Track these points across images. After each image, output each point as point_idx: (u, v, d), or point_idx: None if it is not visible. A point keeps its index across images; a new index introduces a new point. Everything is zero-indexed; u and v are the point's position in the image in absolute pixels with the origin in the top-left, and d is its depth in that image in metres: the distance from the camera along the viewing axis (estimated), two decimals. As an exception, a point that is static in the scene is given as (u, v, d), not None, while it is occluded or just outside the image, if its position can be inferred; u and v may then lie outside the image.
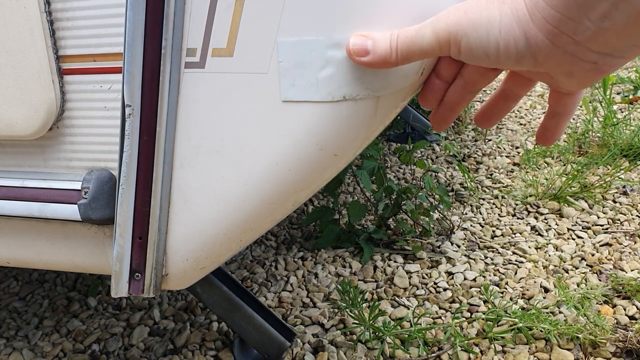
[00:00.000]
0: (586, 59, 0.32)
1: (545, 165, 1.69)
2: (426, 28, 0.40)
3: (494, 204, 1.47)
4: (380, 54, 0.43)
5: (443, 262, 1.19)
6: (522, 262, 1.18)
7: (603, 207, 1.40)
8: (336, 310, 1.04)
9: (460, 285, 1.11)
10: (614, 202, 1.43)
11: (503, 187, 1.56)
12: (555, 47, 0.33)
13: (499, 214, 1.41)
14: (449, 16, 0.38)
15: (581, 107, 2.23)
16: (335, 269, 1.19)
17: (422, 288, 1.11)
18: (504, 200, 1.47)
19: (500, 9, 0.35)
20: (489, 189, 1.55)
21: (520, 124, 2.10)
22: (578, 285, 1.08)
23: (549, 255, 1.20)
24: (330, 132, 0.51)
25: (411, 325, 0.97)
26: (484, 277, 1.14)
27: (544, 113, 2.19)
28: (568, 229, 1.31)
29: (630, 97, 2.24)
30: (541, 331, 0.93)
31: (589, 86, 0.36)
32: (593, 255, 1.19)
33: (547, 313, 0.98)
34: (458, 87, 0.47)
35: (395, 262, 1.21)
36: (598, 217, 1.35)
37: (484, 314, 1.00)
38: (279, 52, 0.49)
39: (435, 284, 1.12)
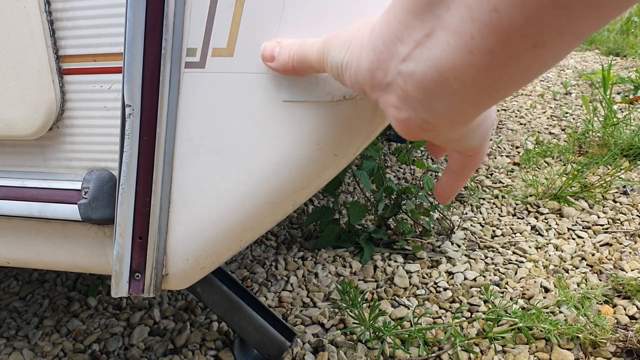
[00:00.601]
0: (391, 104, 0.31)
1: (546, 165, 1.69)
2: (318, 41, 0.40)
3: (494, 203, 1.47)
4: (281, 62, 0.44)
5: (443, 261, 1.19)
6: (522, 262, 1.18)
7: (603, 207, 1.40)
8: (336, 310, 1.04)
9: (460, 285, 1.11)
10: (614, 202, 1.43)
11: (503, 186, 1.56)
12: (372, 80, 0.31)
13: (499, 214, 1.41)
14: (334, 32, 0.38)
15: (581, 106, 2.23)
16: (336, 268, 1.19)
17: (422, 288, 1.11)
18: (504, 200, 1.47)
19: (361, 30, 0.33)
20: (489, 189, 1.55)
21: (520, 124, 2.10)
22: (578, 285, 1.08)
23: (549, 255, 1.20)
24: (330, 132, 0.51)
25: (411, 325, 0.97)
26: (484, 276, 1.14)
27: (543, 113, 2.20)
28: (568, 229, 1.31)
29: (631, 97, 2.24)
30: (541, 331, 0.93)
31: (409, 138, 0.34)
32: (593, 255, 1.19)
33: (547, 313, 0.98)
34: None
35: (395, 261, 1.21)
36: (598, 217, 1.35)
37: (484, 313, 1.00)
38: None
39: (435, 283, 1.12)
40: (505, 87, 0.25)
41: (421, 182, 1.30)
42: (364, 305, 1.04)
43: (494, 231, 1.32)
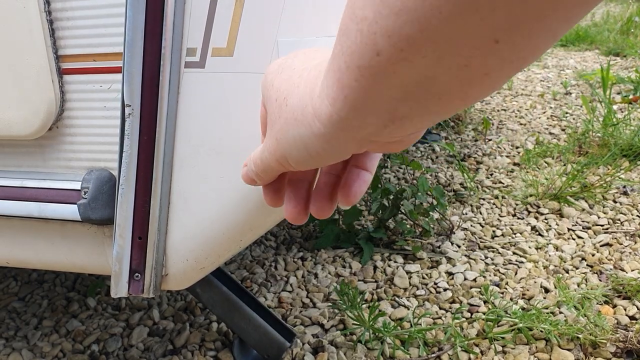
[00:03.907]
0: (391, 142, 0.31)
1: (546, 165, 1.69)
2: (262, 154, 0.38)
3: (494, 204, 1.47)
4: (257, 180, 0.41)
5: (443, 262, 1.19)
6: (522, 262, 1.18)
7: (603, 207, 1.40)
8: (336, 310, 1.03)
9: (460, 285, 1.11)
10: (614, 202, 1.43)
11: (503, 187, 1.56)
12: (360, 142, 0.31)
13: (499, 214, 1.41)
14: (268, 144, 0.36)
15: (581, 107, 2.23)
16: (335, 269, 1.19)
17: (422, 288, 1.11)
18: (504, 200, 1.47)
19: (298, 128, 0.32)
20: (489, 189, 1.55)
21: (521, 124, 2.10)
22: (578, 286, 1.08)
23: (549, 256, 1.20)
24: (330, 132, 0.51)
25: (411, 326, 0.97)
26: (484, 277, 1.14)
27: (543, 113, 2.20)
28: (568, 229, 1.31)
29: (630, 97, 2.24)
30: (541, 331, 0.93)
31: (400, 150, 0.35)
32: (593, 255, 1.19)
33: (548, 313, 0.98)
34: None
35: (395, 262, 1.20)
36: (598, 217, 1.35)
37: (484, 314, 1.00)
38: (279, 52, 0.49)
39: (435, 284, 1.12)
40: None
41: (417, 183, 1.30)
42: (364, 305, 1.04)
43: (494, 231, 1.32)
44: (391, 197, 1.27)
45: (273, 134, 0.35)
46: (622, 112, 2.08)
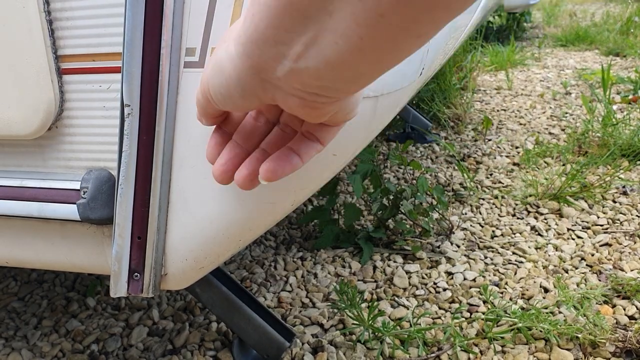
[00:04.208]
0: (293, 94, 0.32)
1: (545, 165, 1.69)
2: (198, 88, 0.41)
3: (493, 204, 1.47)
4: (202, 119, 0.44)
5: (443, 262, 1.19)
6: (521, 262, 1.18)
7: (603, 207, 1.40)
8: (335, 310, 1.03)
9: (459, 285, 1.11)
10: (614, 202, 1.43)
11: (503, 187, 1.56)
12: (262, 82, 0.33)
13: (498, 214, 1.41)
14: (203, 72, 0.40)
15: (581, 106, 2.23)
16: (335, 269, 1.19)
17: (422, 288, 1.11)
18: (503, 200, 1.47)
19: (226, 50, 0.35)
20: (488, 189, 1.55)
21: (520, 124, 2.10)
22: (578, 285, 1.08)
23: (549, 255, 1.20)
24: (329, 131, 0.51)
25: (411, 326, 0.97)
26: (483, 277, 1.14)
27: (543, 113, 2.20)
28: (568, 229, 1.31)
29: (630, 97, 2.24)
30: (541, 331, 0.93)
31: (318, 121, 0.36)
32: (593, 255, 1.19)
33: (547, 313, 0.98)
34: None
35: (394, 262, 1.20)
36: (598, 217, 1.35)
37: (483, 314, 1.00)
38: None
39: (434, 284, 1.12)
40: (393, 60, 0.29)
41: (417, 183, 1.30)
42: (363, 305, 1.04)
43: (493, 231, 1.32)
44: (391, 197, 1.28)
45: (211, 58, 0.38)
46: (622, 112, 2.08)
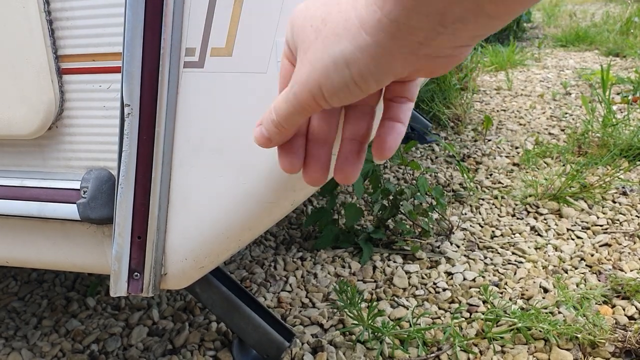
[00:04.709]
0: (441, 56, 0.30)
1: (545, 165, 1.69)
2: (289, 93, 0.36)
3: (493, 204, 1.47)
4: (275, 136, 0.39)
5: (442, 262, 1.19)
6: (521, 263, 1.18)
7: (602, 208, 1.40)
8: (335, 310, 1.04)
9: (459, 285, 1.11)
10: (614, 202, 1.43)
11: (502, 187, 1.56)
12: (408, 55, 0.30)
13: (498, 214, 1.41)
14: (300, 74, 0.34)
15: (581, 107, 2.23)
16: (335, 269, 1.19)
17: (422, 288, 1.11)
18: (503, 201, 1.47)
19: (340, 43, 0.31)
20: (488, 189, 1.55)
21: (520, 124, 2.10)
22: (577, 286, 1.08)
23: (549, 256, 1.20)
24: (329, 131, 0.51)
25: (410, 326, 0.97)
26: (483, 277, 1.14)
27: (543, 113, 2.20)
28: (567, 229, 1.31)
29: (630, 97, 2.24)
30: (540, 331, 0.93)
31: (445, 72, 0.33)
32: (592, 255, 1.19)
33: (546, 313, 0.98)
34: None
35: (394, 262, 1.21)
36: (597, 218, 1.35)
37: (483, 314, 1.00)
38: (278, 52, 0.49)
39: (434, 284, 1.12)
40: None
41: (417, 183, 1.30)
42: (363, 305, 1.04)
43: (493, 232, 1.32)
44: (391, 197, 1.28)
45: (307, 61, 0.33)
46: (622, 112, 2.09)
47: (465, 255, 1.22)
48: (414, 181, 1.61)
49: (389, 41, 0.29)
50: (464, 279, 1.13)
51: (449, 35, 0.27)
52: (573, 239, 1.27)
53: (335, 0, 0.32)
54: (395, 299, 1.08)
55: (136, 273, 0.60)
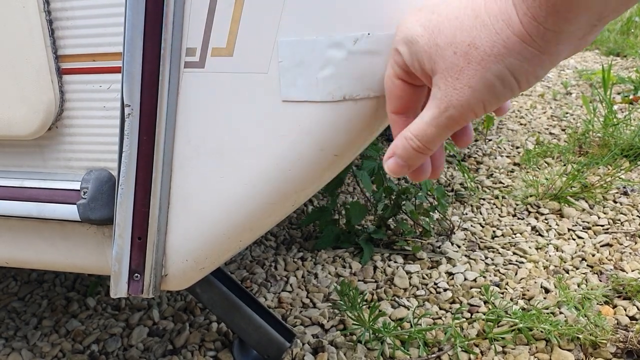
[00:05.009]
0: (576, 45, 0.33)
1: (546, 165, 1.69)
2: (440, 118, 0.38)
3: (494, 204, 1.46)
4: (415, 161, 0.41)
5: (443, 262, 1.19)
6: (522, 263, 1.18)
7: (604, 208, 1.40)
8: (336, 310, 1.03)
9: (460, 285, 1.11)
10: (615, 202, 1.43)
11: (503, 187, 1.56)
12: (569, 52, 0.33)
13: (499, 214, 1.41)
14: (455, 98, 0.36)
15: (581, 107, 2.23)
16: (335, 269, 1.19)
17: (422, 288, 1.11)
18: (504, 201, 1.47)
19: (503, 61, 0.34)
20: (489, 189, 1.55)
21: (521, 124, 2.10)
22: (578, 286, 1.08)
23: (550, 256, 1.20)
24: (330, 132, 0.51)
25: (411, 326, 0.97)
26: (484, 277, 1.13)
27: (544, 113, 2.19)
28: (568, 229, 1.31)
29: (631, 97, 2.24)
30: (542, 332, 0.93)
31: None
32: (593, 255, 1.18)
33: (548, 313, 0.98)
34: None
35: (395, 262, 1.20)
36: (598, 218, 1.35)
37: (484, 314, 1.00)
38: (279, 52, 0.49)
39: (435, 284, 1.12)
40: None
41: (420, 183, 1.29)
42: (364, 306, 1.04)
43: (494, 232, 1.32)
44: (393, 196, 1.27)
45: (461, 86, 0.35)
46: (623, 112, 2.08)
47: (466, 256, 1.22)
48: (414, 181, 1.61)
49: (554, 47, 0.32)
50: (465, 279, 1.13)
51: (601, 26, 0.31)
52: (574, 239, 1.27)
53: (477, 24, 0.34)
54: (396, 299, 1.07)
55: (136, 274, 0.60)
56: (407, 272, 1.16)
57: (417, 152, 0.40)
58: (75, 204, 0.59)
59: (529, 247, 1.23)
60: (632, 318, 0.97)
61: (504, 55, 0.33)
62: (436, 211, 1.34)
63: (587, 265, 1.16)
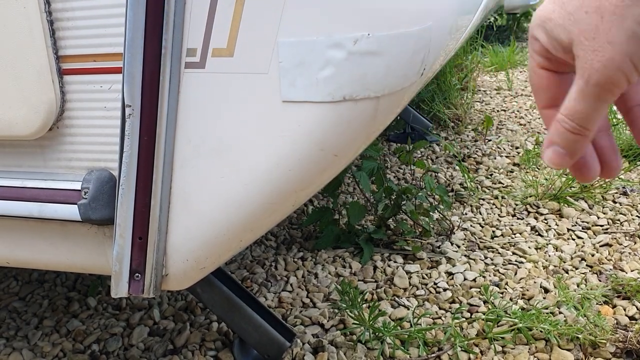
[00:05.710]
0: None
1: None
2: (585, 91, 0.35)
3: (493, 204, 1.47)
4: (576, 147, 0.38)
5: (443, 262, 1.19)
6: (522, 263, 1.18)
7: (603, 208, 1.40)
8: (336, 310, 1.04)
9: (460, 285, 1.11)
10: (614, 202, 1.43)
11: (503, 187, 1.56)
12: None
13: (498, 214, 1.41)
14: (595, 62, 0.34)
15: (581, 107, 2.23)
16: (335, 269, 1.19)
17: (422, 288, 1.11)
18: (503, 201, 1.47)
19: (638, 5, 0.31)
20: (488, 189, 1.55)
21: (520, 125, 2.10)
22: (578, 286, 1.08)
23: (549, 256, 1.20)
24: (330, 132, 0.51)
25: (411, 326, 0.97)
26: (484, 277, 1.14)
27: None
28: (568, 229, 1.31)
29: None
30: (541, 331, 0.93)
31: None
32: (593, 255, 1.19)
33: (547, 313, 0.98)
34: None
35: (395, 262, 1.21)
36: (598, 218, 1.35)
37: (484, 314, 1.00)
38: (279, 53, 0.49)
39: (435, 284, 1.12)
40: None
41: (421, 183, 1.30)
42: (364, 305, 1.04)
43: (493, 232, 1.32)
44: (393, 196, 1.28)
45: (599, 46, 0.33)
46: (622, 112, 2.08)
47: (465, 255, 1.22)
48: (414, 181, 1.61)
49: None
50: (465, 279, 1.13)
51: None
52: (573, 239, 1.27)
53: None
54: (396, 299, 1.08)
55: (137, 274, 0.60)
56: (407, 272, 1.16)
57: (574, 133, 0.37)
58: (76, 204, 0.59)
59: (529, 247, 1.24)
60: (631, 318, 0.97)
61: None
62: (436, 211, 1.34)
63: (587, 265, 1.16)
